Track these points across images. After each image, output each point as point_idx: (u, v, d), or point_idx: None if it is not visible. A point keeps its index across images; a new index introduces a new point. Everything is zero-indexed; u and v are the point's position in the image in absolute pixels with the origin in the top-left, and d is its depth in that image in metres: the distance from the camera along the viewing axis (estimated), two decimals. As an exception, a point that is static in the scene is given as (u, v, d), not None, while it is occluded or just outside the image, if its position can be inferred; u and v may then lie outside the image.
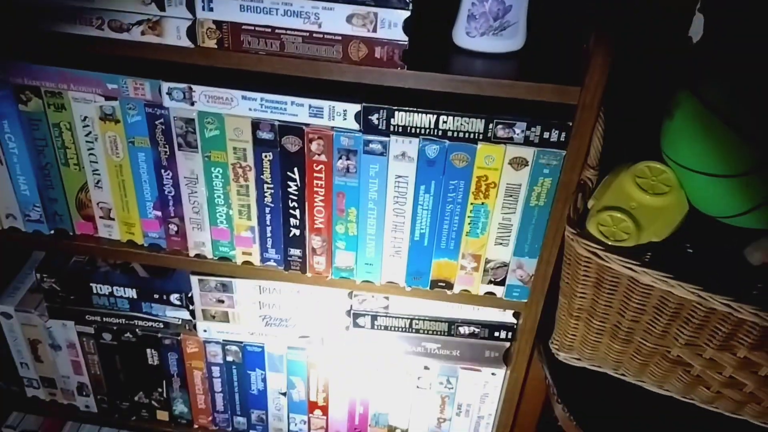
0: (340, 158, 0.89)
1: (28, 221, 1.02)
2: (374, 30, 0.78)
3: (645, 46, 0.97)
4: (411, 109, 0.85)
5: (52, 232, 1.03)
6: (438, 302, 1.04)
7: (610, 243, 0.85)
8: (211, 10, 0.79)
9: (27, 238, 1.04)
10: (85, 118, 0.91)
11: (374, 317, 1.08)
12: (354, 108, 0.85)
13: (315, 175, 0.91)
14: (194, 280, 1.07)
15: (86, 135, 0.93)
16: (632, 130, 0.92)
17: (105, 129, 0.92)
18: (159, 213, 0.98)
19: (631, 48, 0.85)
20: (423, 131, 0.86)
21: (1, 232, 1.04)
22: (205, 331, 1.13)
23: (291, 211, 0.95)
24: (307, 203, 0.93)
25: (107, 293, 1.11)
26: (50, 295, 1.12)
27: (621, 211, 0.85)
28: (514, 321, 1.08)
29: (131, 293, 1.11)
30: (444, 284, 1.00)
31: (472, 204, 0.91)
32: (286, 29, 0.79)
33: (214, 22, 0.80)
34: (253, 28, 0.80)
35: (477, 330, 1.09)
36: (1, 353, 1.22)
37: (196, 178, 0.94)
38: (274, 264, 1.01)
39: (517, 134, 0.85)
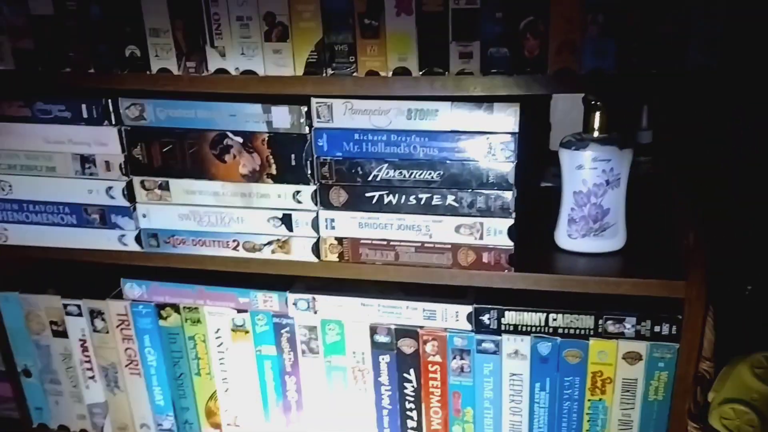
0: (454, 358, 0.92)
1: (160, 430, 1.08)
2: (481, 237, 0.85)
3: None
4: (521, 308, 0.88)
5: (182, 440, 1.08)
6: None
7: (737, 437, 0.82)
8: (333, 228, 0.88)
9: (158, 448, 1.09)
10: (218, 330, 1.00)
11: None
12: (465, 309, 0.90)
13: (430, 375, 0.94)
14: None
15: (218, 346, 1.00)
16: (746, 317, 0.91)
17: (235, 339, 0.99)
18: (283, 418, 1.02)
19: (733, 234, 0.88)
20: (534, 329, 0.89)
21: (135, 441, 1.10)
22: None
23: (408, 412, 0.97)
24: (423, 404, 0.95)
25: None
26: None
27: (743, 403, 0.82)
28: None
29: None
30: (567, 487, 0.96)
31: (589, 400, 0.90)
32: (401, 241, 0.87)
33: (336, 238, 0.89)
34: (370, 241, 0.88)
35: None
36: None
37: (317, 383, 0.98)
38: (392, 468, 1.01)
39: (628, 329, 0.87)
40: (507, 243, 0.84)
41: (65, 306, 1.02)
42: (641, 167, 1.03)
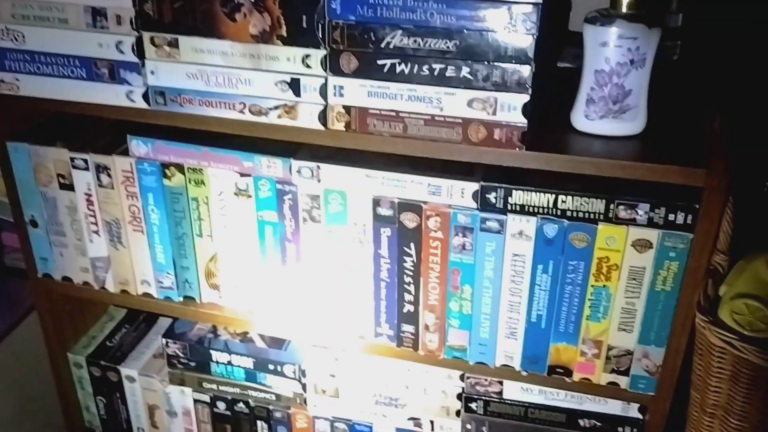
0: (456, 235, 0.90)
1: (160, 288, 1.09)
2: (494, 113, 0.81)
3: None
4: (529, 188, 0.86)
5: (181, 299, 1.09)
6: (556, 391, 1.01)
7: (746, 333, 0.80)
8: (341, 96, 0.85)
9: (158, 304, 1.11)
10: (221, 192, 0.98)
11: (487, 402, 1.06)
12: (472, 187, 0.88)
13: (431, 251, 0.93)
14: (310, 351, 1.09)
15: (221, 208, 1.00)
16: (765, 213, 0.88)
17: (238, 203, 0.98)
18: (284, 283, 1.03)
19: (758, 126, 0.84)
20: (541, 210, 0.87)
21: (136, 297, 1.11)
22: (315, 406, 1.15)
23: (406, 286, 0.96)
24: (422, 279, 0.95)
25: (226, 362, 1.15)
26: (172, 360, 1.17)
27: (757, 299, 0.80)
28: (640, 416, 1.02)
29: (248, 363, 1.14)
30: (563, 370, 0.97)
31: (592, 286, 0.89)
32: (410, 113, 0.83)
33: (344, 107, 0.85)
34: (379, 112, 0.84)
35: (598, 423, 1.03)
36: (120, 417, 1.27)
37: (317, 251, 0.98)
38: (387, 340, 1.02)
39: (640, 215, 0.84)
40: (520, 120, 0.80)
41: (72, 159, 1.01)
42: (668, 51, 0.97)
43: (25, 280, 1.17)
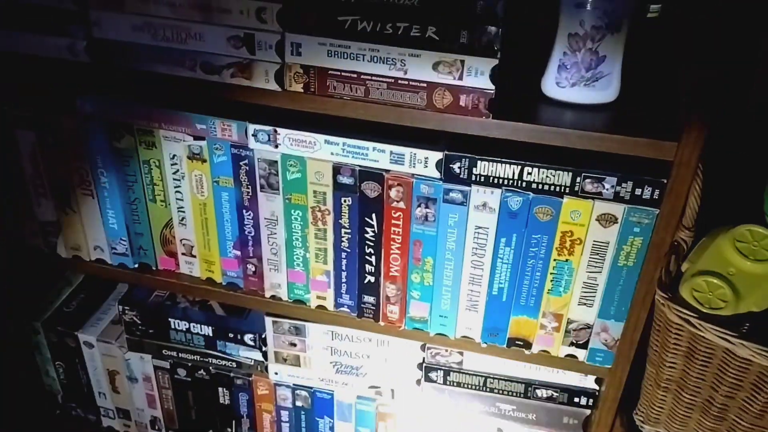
0: (419, 206, 0.87)
1: (114, 254, 1.05)
2: (460, 78, 0.77)
3: (747, 100, 0.91)
4: (494, 158, 0.82)
5: (137, 266, 1.05)
6: (515, 362, 0.99)
7: (704, 311, 0.79)
8: (299, 54, 0.80)
9: (112, 271, 1.06)
10: (174, 156, 0.94)
11: (447, 372, 1.04)
12: (435, 156, 0.84)
13: (393, 222, 0.89)
14: (268, 321, 1.06)
15: (174, 173, 0.95)
16: (731, 190, 0.86)
17: (192, 168, 0.93)
18: (238, 252, 0.99)
19: (732, 103, 0.81)
20: (506, 182, 0.83)
21: (88, 263, 1.07)
22: (276, 373, 1.12)
23: (367, 257, 0.93)
24: (383, 250, 0.92)
25: (185, 329, 1.12)
26: (131, 327, 1.14)
27: (718, 276, 0.79)
28: (596, 387, 1.01)
29: (207, 330, 1.11)
30: (522, 343, 0.95)
31: (555, 260, 0.87)
32: (372, 75, 0.79)
33: (302, 66, 0.81)
34: (339, 73, 0.80)
35: (555, 394, 1.03)
36: (80, 382, 1.25)
37: (276, 220, 0.94)
38: (348, 310, 0.99)
39: (607, 189, 0.81)
40: (488, 86, 0.76)
41: (15, 117, 0.95)
42: (647, 17, 0.94)
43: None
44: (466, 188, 0.84)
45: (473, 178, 0.84)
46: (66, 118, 0.94)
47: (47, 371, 1.26)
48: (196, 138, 0.91)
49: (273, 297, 1.02)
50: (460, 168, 0.84)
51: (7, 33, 0.87)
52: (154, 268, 1.05)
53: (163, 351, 1.16)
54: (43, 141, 0.96)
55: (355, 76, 0.80)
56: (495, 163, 0.82)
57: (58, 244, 1.06)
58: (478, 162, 0.83)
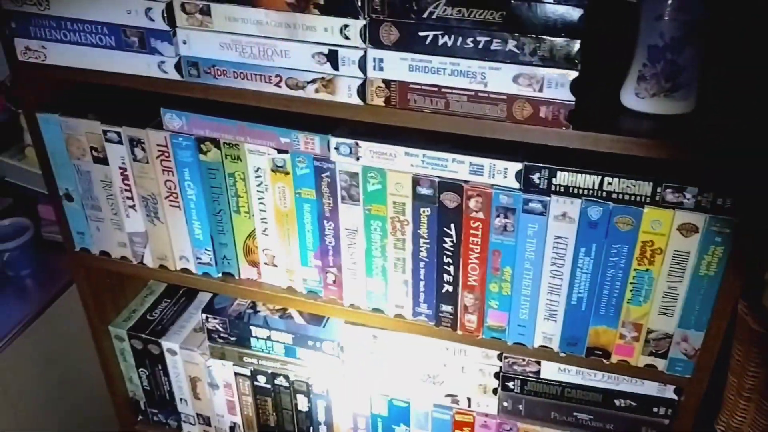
0: (498, 216, 0.88)
1: (199, 264, 1.09)
2: (540, 90, 0.78)
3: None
4: (574, 169, 0.83)
5: (220, 275, 1.09)
6: (593, 371, 0.99)
7: (790, 320, 0.78)
8: (381, 69, 0.82)
9: (197, 280, 1.11)
10: (258, 169, 0.97)
11: (524, 381, 1.05)
12: (515, 166, 0.85)
13: (471, 232, 0.91)
14: (347, 329, 1.09)
15: (258, 185, 0.99)
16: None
17: (275, 180, 0.97)
18: (319, 262, 1.02)
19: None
20: (586, 192, 0.84)
21: (174, 272, 1.11)
22: (353, 381, 1.15)
23: (445, 267, 0.95)
24: (461, 260, 0.93)
25: (265, 337, 1.15)
26: (213, 335, 1.18)
27: (804, 286, 0.78)
28: (676, 397, 1.00)
29: (287, 338, 1.14)
30: (601, 353, 0.95)
31: (635, 270, 0.87)
32: (452, 88, 0.81)
33: (384, 81, 0.83)
34: (420, 87, 0.82)
35: (634, 404, 1.02)
36: (163, 388, 1.29)
37: (356, 230, 0.97)
38: (425, 319, 1.01)
39: (688, 199, 0.81)
40: (568, 97, 0.77)
41: (105, 132, 1.00)
42: (726, 25, 0.93)
43: (63, 254, 1.17)
44: (546, 198, 0.85)
45: (553, 188, 0.85)
46: (155, 132, 0.99)
47: (131, 378, 1.32)
48: (279, 151, 0.95)
49: (352, 306, 1.04)
50: (539, 178, 0.85)
51: (99, 51, 0.92)
52: (237, 277, 1.09)
53: (244, 358, 1.19)
54: (133, 155, 1.01)
55: (435, 89, 0.82)
56: (575, 174, 0.83)
57: (145, 254, 1.11)
58: (558, 172, 0.84)
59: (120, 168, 1.03)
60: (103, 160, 1.03)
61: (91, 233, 1.12)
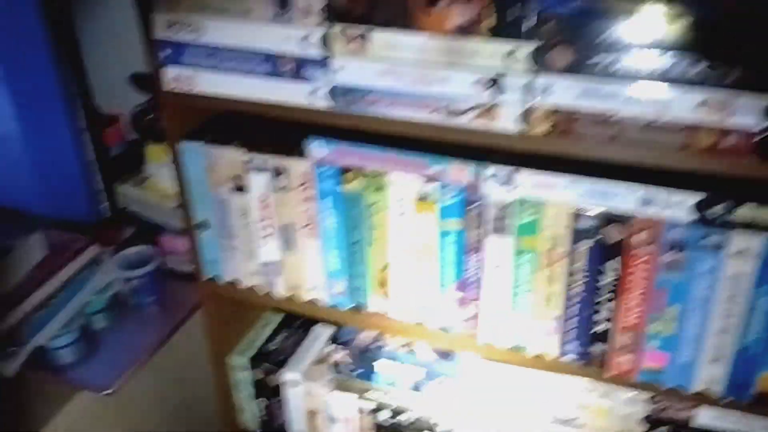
0: (668, 251, 0.83)
1: (331, 294, 1.06)
2: (728, 116, 0.73)
3: None
4: (762, 203, 0.78)
5: (351, 306, 1.06)
6: (758, 419, 0.92)
7: None
8: (548, 95, 0.79)
9: (327, 310, 1.08)
10: (401, 198, 0.94)
11: (676, 429, 0.98)
12: (692, 198, 0.80)
13: (635, 267, 0.86)
14: (479, 366, 1.04)
15: (400, 214, 0.96)
16: None
17: (420, 209, 0.94)
18: (458, 295, 0.98)
19: None
20: (770, 227, 0.78)
21: (304, 302, 1.09)
22: (483, 421, 1.10)
23: (601, 303, 0.90)
24: (621, 297, 0.88)
25: (391, 371, 1.12)
26: (338, 366, 1.15)
27: None
28: None
29: (415, 373, 1.11)
30: (769, 400, 0.88)
31: (823, 311, 0.80)
32: (626, 116, 0.77)
33: (550, 108, 0.79)
34: (589, 114, 0.78)
35: (799, 456, 0.95)
36: (279, 419, 1.27)
37: (502, 264, 0.93)
38: (574, 357, 0.96)
39: None
40: (758, 124, 0.72)
41: (250, 160, 0.99)
42: None
43: (185, 283, 1.16)
44: (724, 233, 0.80)
45: (733, 222, 0.79)
46: (299, 161, 0.97)
47: (246, 409, 1.29)
48: (427, 180, 0.92)
49: (487, 342, 1.00)
50: (719, 211, 0.79)
51: (250, 80, 0.91)
52: (366, 309, 1.06)
53: (368, 392, 1.16)
54: (275, 183, 1.00)
55: (607, 116, 0.78)
56: (762, 207, 0.78)
57: (277, 283, 1.09)
58: (740, 206, 0.78)
59: (259, 196, 1.02)
60: (242, 189, 1.02)
61: (222, 262, 1.11)
